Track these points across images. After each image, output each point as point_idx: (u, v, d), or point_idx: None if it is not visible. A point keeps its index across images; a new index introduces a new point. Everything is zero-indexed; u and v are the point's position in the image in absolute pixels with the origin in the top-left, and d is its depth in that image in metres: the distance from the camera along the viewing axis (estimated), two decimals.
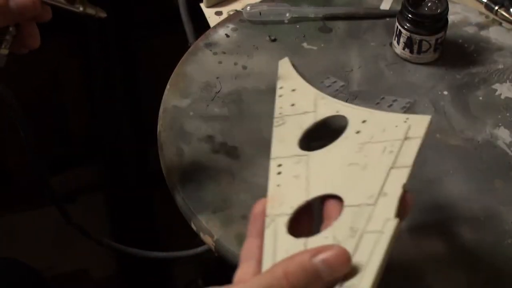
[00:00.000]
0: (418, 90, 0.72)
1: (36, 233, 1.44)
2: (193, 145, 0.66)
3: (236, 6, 0.85)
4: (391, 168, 0.47)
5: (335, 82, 0.68)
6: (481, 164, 0.65)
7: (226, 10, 0.83)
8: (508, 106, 0.70)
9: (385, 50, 0.76)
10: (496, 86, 0.72)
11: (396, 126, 0.51)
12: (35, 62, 1.40)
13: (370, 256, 0.42)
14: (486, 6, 0.81)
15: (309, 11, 0.80)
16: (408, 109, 0.67)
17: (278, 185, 0.51)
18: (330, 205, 0.48)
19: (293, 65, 0.67)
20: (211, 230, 0.59)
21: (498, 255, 0.58)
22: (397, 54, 0.75)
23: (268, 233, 0.46)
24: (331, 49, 0.76)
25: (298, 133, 0.56)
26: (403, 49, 0.74)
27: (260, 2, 0.82)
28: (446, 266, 0.57)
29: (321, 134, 0.55)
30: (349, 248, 0.42)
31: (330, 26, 0.79)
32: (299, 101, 0.59)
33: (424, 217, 0.60)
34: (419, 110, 0.69)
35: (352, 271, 0.41)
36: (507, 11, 0.79)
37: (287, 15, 0.79)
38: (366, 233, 0.44)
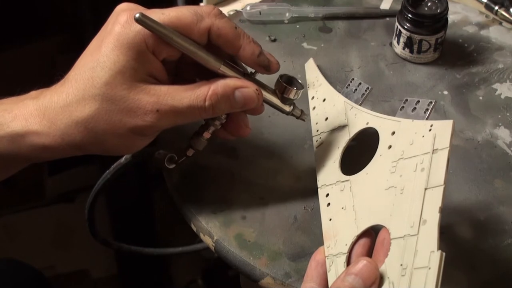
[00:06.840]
0: (418, 90, 0.72)
1: (36, 233, 1.44)
2: None
3: (236, 6, 0.85)
4: (426, 189, 0.48)
5: (360, 84, 0.68)
6: (481, 164, 0.64)
7: (226, 10, 0.83)
8: (508, 106, 0.70)
9: (385, 50, 0.76)
10: (496, 85, 0.72)
11: (423, 137, 0.51)
12: (31, 59, 1.41)
13: None
14: (486, 6, 0.81)
15: (309, 11, 0.80)
16: (432, 111, 0.65)
17: (330, 219, 0.55)
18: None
19: (317, 66, 0.71)
20: (211, 230, 0.59)
21: (498, 255, 0.58)
22: (397, 54, 0.75)
23: (330, 276, 0.51)
24: (331, 49, 0.76)
25: (336, 153, 0.59)
26: (403, 49, 0.74)
27: (260, 2, 0.82)
28: (446, 266, 0.57)
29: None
30: None
31: (330, 26, 0.79)
32: (331, 114, 0.63)
33: None
34: None
35: None
36: (507, 11, 0.79)
37: (287, 15, 0.79)
38: (415, 270, 0.45)
